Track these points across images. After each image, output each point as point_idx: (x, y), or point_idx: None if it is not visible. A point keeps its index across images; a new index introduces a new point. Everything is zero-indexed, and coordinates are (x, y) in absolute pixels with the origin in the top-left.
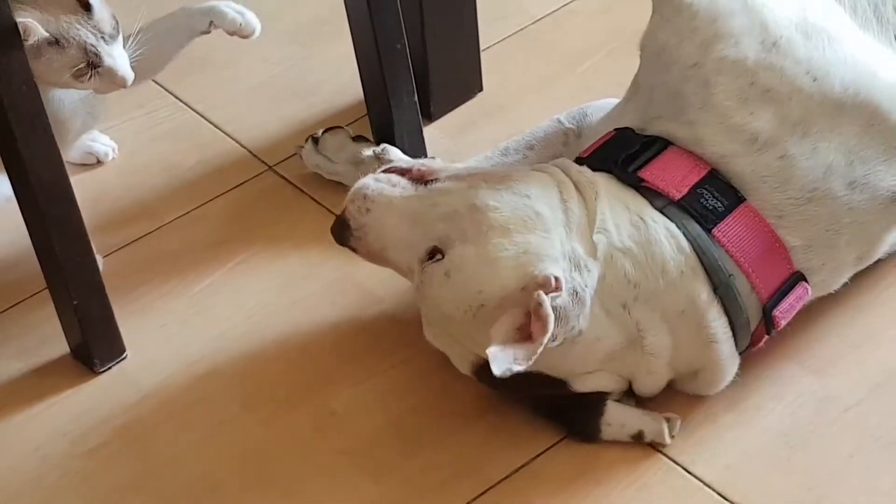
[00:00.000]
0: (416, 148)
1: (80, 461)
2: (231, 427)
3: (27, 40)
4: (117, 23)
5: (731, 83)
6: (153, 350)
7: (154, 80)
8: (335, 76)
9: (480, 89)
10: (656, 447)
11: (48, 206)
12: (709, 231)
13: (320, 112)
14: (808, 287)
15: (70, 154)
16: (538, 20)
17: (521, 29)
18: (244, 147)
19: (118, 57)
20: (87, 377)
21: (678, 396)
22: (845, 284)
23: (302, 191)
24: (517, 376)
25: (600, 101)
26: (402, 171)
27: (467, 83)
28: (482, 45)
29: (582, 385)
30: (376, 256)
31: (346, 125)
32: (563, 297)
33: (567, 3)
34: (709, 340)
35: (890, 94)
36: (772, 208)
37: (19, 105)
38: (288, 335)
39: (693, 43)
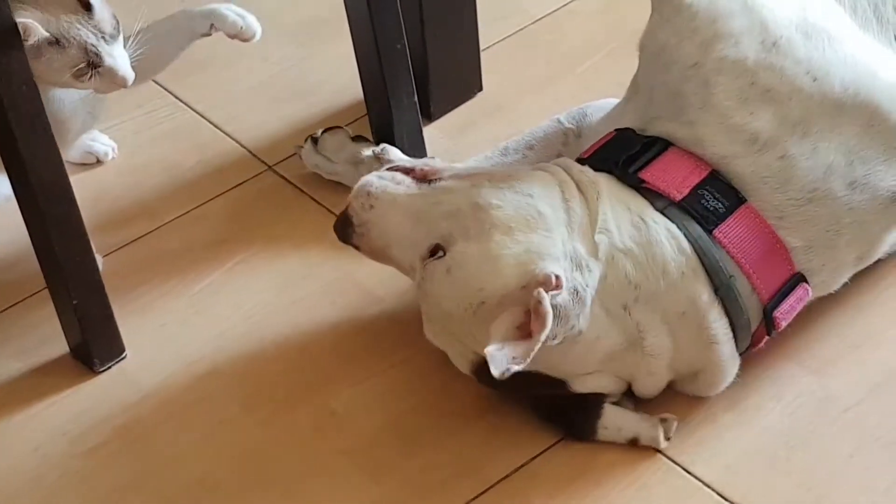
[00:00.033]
0: (416, 148)
1: (79, 461)
2: (230, 427)
3: (27, 40)
4: (118, 23)
5: (731, 83)
6: (153, 350)
7: (154, 80)
8: (335, 76)
9: (480, 89)
10: (655, 447)
11: (48, 205)
12: (710, 232)
13: (320, 112)
14: (809, 288)
15: (70, 154)
16: (538, 20)
17: (521, 29)
18: (244, 147)
19: (119, 57)
20: (87, 377)
21: (678, 396)
22: (845, 284)
23: (302, 191)
24: (517, 376)
25: (600, 101)
26: (407, 170)
27: (467, 83)
28: (482, 45)
29: (581, 385)
30: (379, 254)
31: (346, 125)
32: (564, 296)
33: (567, 3)
34: (710, 342)
35: (890, 94)
36: (772, 209)
37: (19, 105)
38: (287, 335)
39: (693, 43)
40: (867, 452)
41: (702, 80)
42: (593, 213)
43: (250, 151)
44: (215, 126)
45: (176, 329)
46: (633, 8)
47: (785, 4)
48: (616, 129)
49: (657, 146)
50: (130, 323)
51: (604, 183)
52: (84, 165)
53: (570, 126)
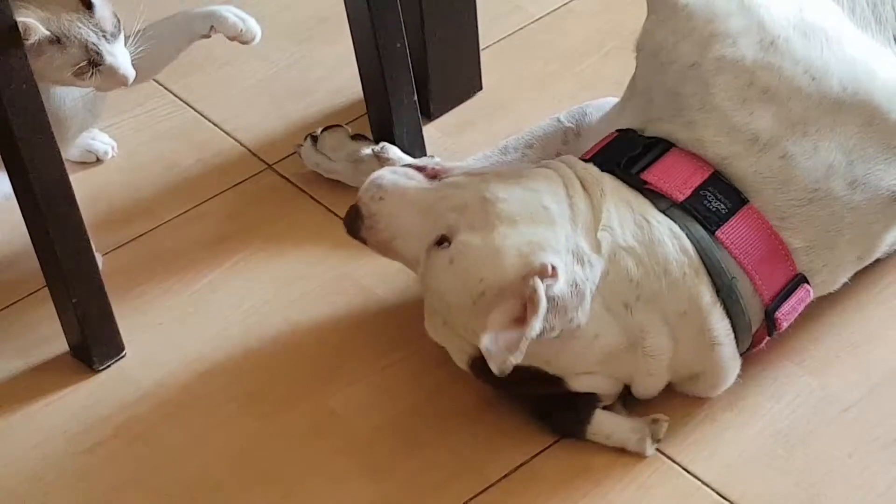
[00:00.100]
0: (416, 147)
1: (79, 459)
2: (229, 425)
3: (28, 39)
4: (119, 21)
5: (730, 83)
6: (152, 348)
7: (154, 79)
8: (335, 75)
9: (480, 88)
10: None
11: (48, 204)
12: (712, 233)
13: (320, 111)
14: (810, 289)
15: (70, 152)
16: (537, 19)
17: (521, 28)
18: (243, 146)
19: (119, 55)
20: (87, 375)
21: (677, 395)
22: (845, 284)
23: (301, 189)
24: (514, 372)
25: (600, 100)
26: (419, 168)
27: (467, 82)
28: (482, 45)
29: (578, 384)
30: (385, 247)
31: (346, 124)
32: (562, 288)
33: (566, 3)
34: (711, 343)
35: (889, 93)
36: (774, 210)
37: (19, 103)
38: (287, 334)
39: (690, 43)
40: (866, 452)
41: (700, 80)
42: (597, 210)
43: (250, 150)
44: (215, 125)
45: (175, 328)
46: (633, 7)
47: (782, 4)
48: (618, 130)
49: (659, 147)
50: (130, 321)
51: (608, 182)
52: (84, 164)
53: (570, 125)
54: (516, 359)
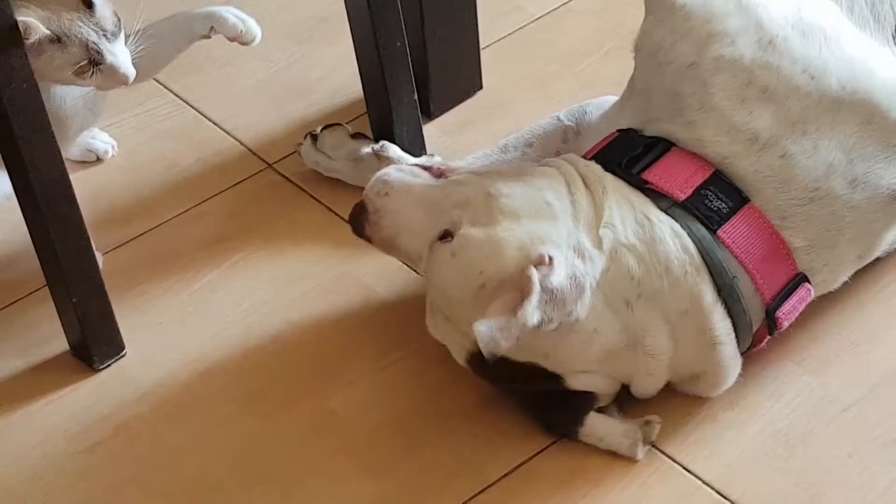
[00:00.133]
0: (416, 146)
1: (78, 458)
2: (229, 425)
3: (28, 38)
4: (119, 20)
5: (729, 82)
6: (152, 347)
7: (154, 78)
8: (335, 74)
9: (480, 87)
10: (655, 445)
11: (48, 203)
12: (713, 232)
13: (320, 110)
14: (811, 288)
15: (70, 151)
16: (537, 19)
17: (521, 27)
18: (244, 145)
19: (120, 54)
20: (87, 374)
21: (677, 394)
22: (846, 282)
23: (301, 189)
24: (512, 369)
25: (599, 99)
26: (425, 167)
27: (467, 81)
28: (482, 44)
29: (577, 383)
30: (389, 244)
31: (346, 123)
32: (561, 280)
33: (566, 2)
34: (712, 342)
35: (888, 91)
36: (775, 209)
37: (20, 102)
38: (286, 333)
39: (688, 43)
40: (866, 452)
41: (699, 80)
42: (599, 207)
43: (250, 149)
44: (215, 124)
45: (175, 327)
46: (633, 7)
47: (781, 4)
48: (619, 130)
49: (660, 147)
50: (130, 321)
51: (609, 180)
52: (84, 163)
53: (570, 123)
54: (507, 343)
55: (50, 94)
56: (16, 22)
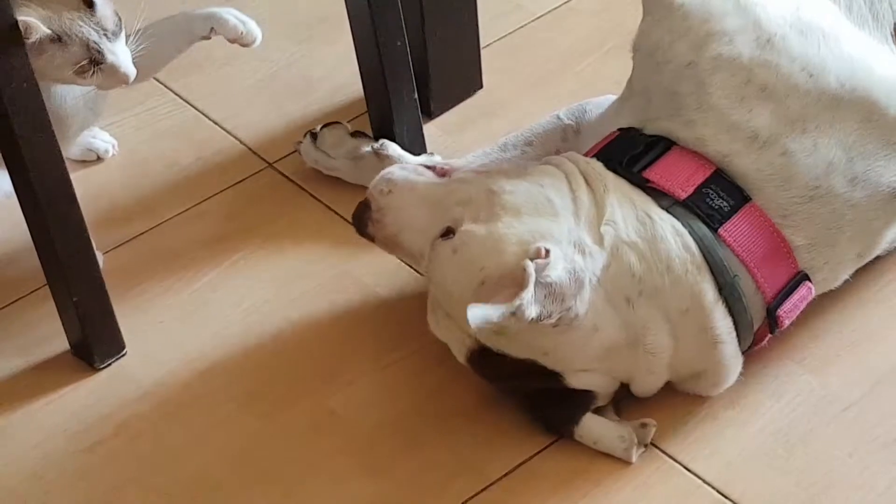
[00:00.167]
0: (416, 145)
1: (79, 458)
2: (229, 425)
3: (29, 38)
4: (120, 20)
5: (727, 81)
6: (152, 347)
7: (154, 78)
8: (335, 73)
9: (480, 87)
10: (655, 444)
11: (49, 202)
12: (715, 231)
13: (320, 109)
14: (812, 286)
15: (70, 150)
16: (538, 18)
17: (521, 27)
18: (244, 144)
19: (121, 54)
20: (87, 374)
21: (677, 393)
22: (846, 281)
23: (302, 188)
24: (512, 367)
25: (599, 98)
26: (428, 166)
27: (467, 81)
28: (482, 43)
29: (577, 381)
30: (392, 242)
31: (346, 122)
32: (559, 274)
33: (567, 1)
34: (713, 341)
35: (887, 89)
36: (776, 207)
37: (20, 102)
38: (287, 332)
39: (686, 42)
40: (866, 451)
41: (697, 79)
42: (600, 205)
43: (250, 149)
44: (215, 123)
45: (176, 326)
46: (633, 6)
47: (779, 3)
48: (619, 129)
49: (661, 146)
50: (130, 320)
51: (611, 178)
52: (84, 162)
53: (570, 122)
54: (498, 320)
55: (50, 94)
56: (16, 21)
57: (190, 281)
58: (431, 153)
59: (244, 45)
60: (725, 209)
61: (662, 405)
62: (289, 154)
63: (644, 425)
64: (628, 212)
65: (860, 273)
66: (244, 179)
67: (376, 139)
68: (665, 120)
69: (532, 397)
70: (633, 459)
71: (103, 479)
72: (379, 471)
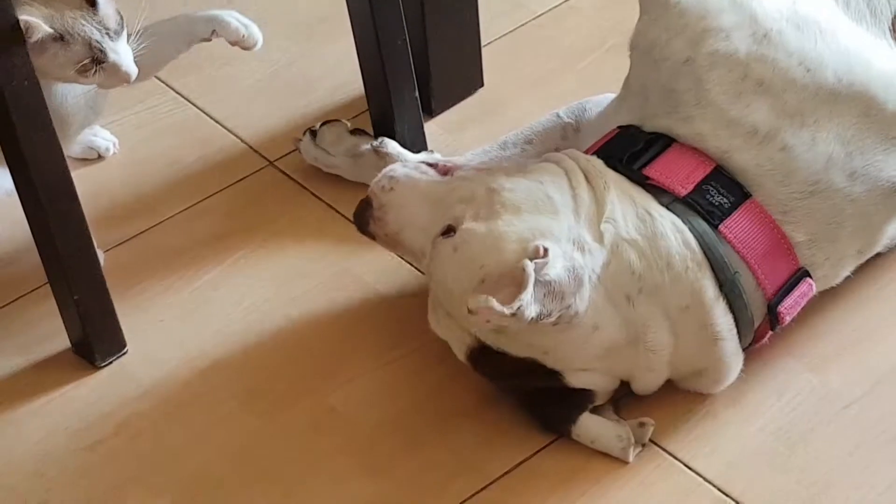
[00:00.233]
0: (417, 144)
1: (80, 456)
2: (230, 423)
3: (30, 38)
4: (122, 19)
5: (724, 77)
6: (153, 345)
7: (155, 76)
8: (336, 72)
9: (481, 85)
10: (655, 442)
11: (49, 201)
12: (715, 227)
13: (321, 108)
14: (813, 283)
15: (71, 149)
16: (539, 16)
17: (522, 25)
18: (245, 142)
19: (122, 53)
20: (88, 372)
21: (678, 391)
22: (847, 278)
23: (302, 186)
24: (512, 365)
25: (599, 96)
26: (430, 164)
27: (468, 79)
28: (483, 41)
29: (576, 380)
30: (393, 240)
31: (347, 121)
32: (559, 272)
33: (567, 0)
34: (714, 338)
35: (885, 83)
36: (777, 203)
37: (21, 100)
38: (287, 330)
39: (683, 39)
40: (868, 450)
41: (695, 76)
42: (600, 202)
43: (251, 147)
44: (216, 122)
45: (177, 324)
46: (633, 4)
47: None
48: (619, 126)
49: (660, 143)
50: (131, 318)
51: (611, 175)
52: (85, 161)
53: (569, 121)
54: (495, 321)
55: (51, 92)
56: (17, 21)
57: (191, 279)
58: (431, 151)
59: (245, 49)
60: (726, 206)
61: (662, 403)
62: (290, 152)
63: (642, 424)
64: (628, 209)
65: (861, 271)
66: (245, 178)
67: (376, 137)
68: (663, 117)
69: (530, 396)
70: (630, 459)
71: (104, 477)
72: (379, 469)
